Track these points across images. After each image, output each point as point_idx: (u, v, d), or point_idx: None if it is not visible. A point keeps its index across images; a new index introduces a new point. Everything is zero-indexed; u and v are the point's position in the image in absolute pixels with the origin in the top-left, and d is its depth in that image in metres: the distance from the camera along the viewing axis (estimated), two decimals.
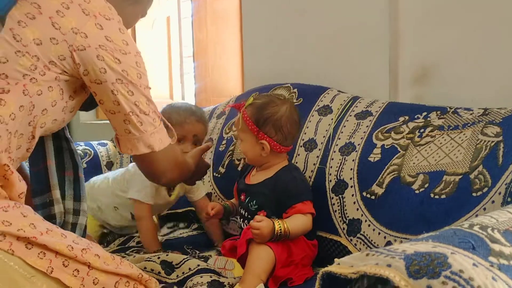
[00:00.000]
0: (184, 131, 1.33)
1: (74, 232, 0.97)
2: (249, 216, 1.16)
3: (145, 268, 1.08)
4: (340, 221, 1.21)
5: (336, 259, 0.57)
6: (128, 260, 1.11)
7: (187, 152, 1.22)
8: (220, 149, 1.57)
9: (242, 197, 1.20)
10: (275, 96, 1.24)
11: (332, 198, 1.24)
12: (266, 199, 1.14)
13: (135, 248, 1.36)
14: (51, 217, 0.96)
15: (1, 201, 0.75)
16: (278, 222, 1.06)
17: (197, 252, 1.33)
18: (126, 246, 1.42)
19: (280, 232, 1.05)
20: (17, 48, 0.77)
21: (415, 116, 1.20)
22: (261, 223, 1.04)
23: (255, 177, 1.20)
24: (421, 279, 0.47)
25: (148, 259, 1.11)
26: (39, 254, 0.72)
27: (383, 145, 1.19)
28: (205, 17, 2.15)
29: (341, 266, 0.55)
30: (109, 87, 0.84)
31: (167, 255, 1.14)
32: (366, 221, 1.14)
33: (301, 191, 1.14)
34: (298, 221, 1.10)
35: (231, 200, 1.30)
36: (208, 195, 1.54)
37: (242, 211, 1.20)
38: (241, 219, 1.20)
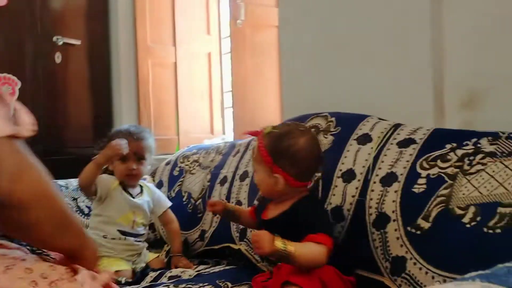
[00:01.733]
0: None
1: None
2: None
3: None
4: (383, 259, 1.10)
5: None
6: None
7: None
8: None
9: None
10: (296, 125, 1.16)
11: (373, 233, 1.13)
12: (283, 235, 1.04)
13: (165, 285, 1.30)
14: None
15: None
16: (281, 240, 0.96)
17: (229, 284, 1.26)
18: (157, 282, 1.36)
19: (282, 249, 0.94)
20: None
21: (464, 143, 1.09)
22: (260, 231, 0.97)
23: (272, 212, 1.12)
24: None
25: None
26: None
27: (429, 174, 1.09)
28: (243, 51, 2.15)
29: None
30: None
31: None
32: (411, 258, 1.03)
33: (315, 223, 1.04)
34: (307, 247, 0.98)
35: (242, 208, 1.27)
36: (244, 231, 1.48)
37: None
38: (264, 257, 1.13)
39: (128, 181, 1.58)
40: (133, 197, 1.59)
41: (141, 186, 1.65)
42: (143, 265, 1.56)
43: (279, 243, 0.94)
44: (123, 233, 1.55)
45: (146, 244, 1.64)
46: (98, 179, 1.53)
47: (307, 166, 1.08)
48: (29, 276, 0.62)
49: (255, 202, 1.47)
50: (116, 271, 1.47)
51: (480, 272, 0.50)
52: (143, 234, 1.61)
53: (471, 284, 0.45)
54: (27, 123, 0.63)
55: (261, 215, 1.15)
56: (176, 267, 1.53)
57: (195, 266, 1.53)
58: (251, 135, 1.15)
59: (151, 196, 1.66)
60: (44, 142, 2.56)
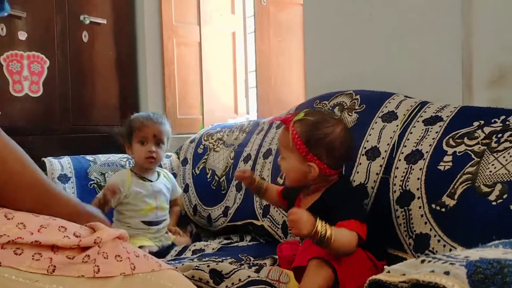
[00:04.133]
0: (144, 132, 1.57)
1: None
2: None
3: (193, 277, 1.04)
4: (406, 236, 1.10)
5: (386, 267, 0.49)
6: (176, 267, 1.08)
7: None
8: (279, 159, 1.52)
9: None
10: (329, 113, 1.13)
11: (397, 210, 1.13)
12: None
13: (190, 258, 1.33)
14: None
15: None
16: (323, 223, 0.93)
17: (252, 258, 1.27)
18: (181, 256, 1.39)
19: (322, 233, 0.91)
20: None
21: (492, 120, 1.07)
22: (299, 210, 0.93)
23: (304, 203, 1.11)
24: None
25: (196, 267, 1.07)
26: (33, 256, 0.60)
27: (455, 152, 1.07)
28: (268, 30, 2.13)
29: (391, 274, 0.47)
30: None
31: (217, 263, 1.09)
32: (435, 236, 1.03)
33: (346, 209, 1.00)
34: (341, 233, 0.95)
35: (270, 184, 1.26)
36: (267, 207, 1.49)
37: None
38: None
39: (147, 164, 1.59)
40: (152, 182, 1.62)
41: (158, 173, 1.67)
42: (169, 242, 1.59)
43: (320, 227, 0.91)
44: (148, 223, 1.57)
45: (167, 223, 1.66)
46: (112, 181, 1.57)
47: (342, 155, 1.06)
48: (63, 233, 0.64)
49: (279, 181, 1.47)
50: (141, 246, 1.51)
51: (503, 240, 0.49)
52: (165, 219, 1.62)
53: (492, 250, 0.44)
54: None
55: (294, 203, 1.14)
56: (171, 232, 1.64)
57: (220, 240, 1.56)
58: (280, 121, 1.10)
59: (169, 181, 1.69)
60: (72, 120, 2.61)
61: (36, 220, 0.65)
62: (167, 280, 0.71)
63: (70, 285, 0.61)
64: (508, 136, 1.00)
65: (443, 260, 0.43)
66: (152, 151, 1.57)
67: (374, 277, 0.48)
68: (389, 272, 0.47)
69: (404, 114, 1.26)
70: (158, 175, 1.66)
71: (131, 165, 1.83)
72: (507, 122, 1.04)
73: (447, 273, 0.41)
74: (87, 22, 2.58)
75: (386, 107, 1.32)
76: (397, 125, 1.24)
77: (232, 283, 1.02)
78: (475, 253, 0.44)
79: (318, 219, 0.93)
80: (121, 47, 2.77)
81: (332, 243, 0.92)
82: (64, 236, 0.63)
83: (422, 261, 0.46)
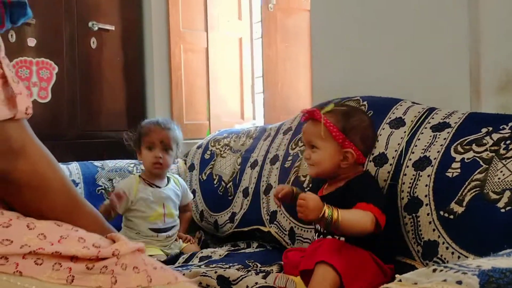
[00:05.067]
0: (151, 138, 1.58)
1: None
2: (324, 231, 1.10)
3: (200, 283, 1.04)
4: (414, 243, 1.09)
5: (397, 275, 0.49)
6: (184, 273, 1.08)
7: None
8: (286, 165, 1.52)
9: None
10: (353, 105, 1.20)
11: (405, 217, 1.13)
12: (339, 207, 1.05)
13: (197, 265, 1.33)
14: None
15: (0, 217, 0.63)
16: (330, 207, 0.97)
17: (258, 265, 1.27)
18: (189, 263, 1.39)
19: (329, 218, 0.95)
20: None
21: (501, 127, 1.07)
22: (308, 196, 0.97)
23: (327, 189, 1.14)
24: None
25: (204, 273, 1.08)
26: (53, 266, 0.61)
27: (463, 158, 1.07)
28: (275, 35, 2.14)
29: (402, 283, 0.47)
30: None
31: (224, 270, 1.09)
32: (443, 243, 1.02)
33: (367, 195, 1.04)
34: (352, 213, 0.99)
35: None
36: (274, 213, 1.49)
37: (316, 225, 1.14)
38: (316, 234, 1.14)
39: (155, 170, 1.60)
40: (160, 188, 1.62)
41: (168, 178, 1.67)
42: (177, 251, 1.59)
43: (328, 212, 0.96)
44: (156, 230, 1.57)
45: (177, 230, 1.66)
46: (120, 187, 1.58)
47: (372, 142, 1.13)
48: (83, 244, 0.64)
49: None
50: (150, 255, 1.52)
51: None
52: (174, 226, 1.63)
53: (505, 259, 0.44)
54: (25, 107, 0.63)
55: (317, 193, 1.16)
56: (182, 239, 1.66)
57: (227, 248, 1.56)
58: (308, 114, 1.13)
59: (179, 186, 1.69)
60: (80, 126, 2.63)
61: (58, 230, 0.66)
62: None
63: None
64: None
65: (455, 269, 0.43)
66: (159, 156, 1.57)
67: (385, 285, 0.48)
68: (400, 280, 0.47)
69: (412, 121, 1.26)
70: (168, 180, 1.67)
71: (139, 171, 1.84)
72: None
73: (459, 282, 0.41)
74: (96, 28, 2.60)
75: (393, 113, 1.32)
76: (405, 132, 1.24)
77: None
78: (487, 262, 0.44)
79: (325, 204, 0.97)
80: (129, 53, 2.78)
81: (341, 225, 0.96)
82: (84, 247, 0.64)
83: (434, 270, 0.46)
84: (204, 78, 2.75)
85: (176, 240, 1.64)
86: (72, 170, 1.78)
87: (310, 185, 1.37)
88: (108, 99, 2.75)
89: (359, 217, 0.99)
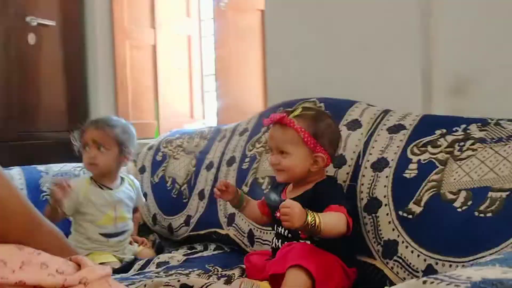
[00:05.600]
0: (84, 138, 1.54)
1: None
2: (289, 235, 1.10)
3: None
4: (374, 243, 1.12)
5: (386, 287, 0.49)
6: (145, 285, 1.05)
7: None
8: (243, 167, 1.51)
9: (278, 214, 1.12)
10: (319, 108, 1.21)
11: (365, 217, 1.15)
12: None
13: (155, 272, 1.29)
14: None
15: None
16: (311, 212, 0.97)
17: (219, 269, 1.26)
18: (145, 270, 1.35)
19: (312, 224, 0.95)
20: None
21: (453, 129, 1.11)
22: (292, 203, 0.96)
23: (293, 192, 1.13)
24: None
25: (167, 284, 1.04)
26: None
27: (420, 160, 1.11)
28: (227, 35, 2.12)
29: None
30: None
31: (187, 277, 1.07)
32: (403, 242, 1.06)
33: (337, 196, 1.08)
34: (330, 217, 0.99)
35: (250, 198, 1.26)
36: (232, 216, 1.48)
37: (279, 229, 1.13)
38: (277, 238, 1.13)
39: (90, 170, 1.55)
40: (112, 190, 1.55)
41: (122, 179, 1.61)
42: (132, 256, 1.54)
43: (310, 218, 0.95)
44: (107, 235, 1.51)
45: (130, 235, 1.61)
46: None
47: (337, 145, 1.15)
48: (46, 271, 0.60)
49: (243, 188, 1.46)
50: (102, 263, 1.45)
51: (494, 257, 0.51)
52: (127, 230, 1.57)
53: (491, 269, 0.46)
54: None
55: (281, 196, 1.16)
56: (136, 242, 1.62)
57: (184, 251, 1.52)
58: (277, 119, 1.10)
59: (134, 188, 1.63)
60: (18, 126, 2.47)
61: (19, 254, 0.60)
62: None
63: None
64: (470, 145, 1.05)
65: (447, 282, 0.44)
66: (91, 156, 1.51)
67: None
68: None
69: (368, 123, 1.28)
70: (122, 182, 1.60)
71: (85, 174, 1.76)
72: (468, 131, 1.09)
73: None
74: (34, 23, 2.45)
75: (350, 115, 1.34)
76: (362, 133, 1.27)
77: None
78: (475, 273, 0.45)
79: (307, 210, 0.96)
80: (70, 50, 2.65)
81: (323, 230, 0.96)
82: (49, 274, 0.59)
83: (424, 282, 0.46)
84: (150, 76, 2.68)
85: (130, 243, 1.59)
86: (14, 175, 1.67)
87: (269, 186, 1.36)
88: (48, 98, 2.61)
89: (336, 220, 1.00)
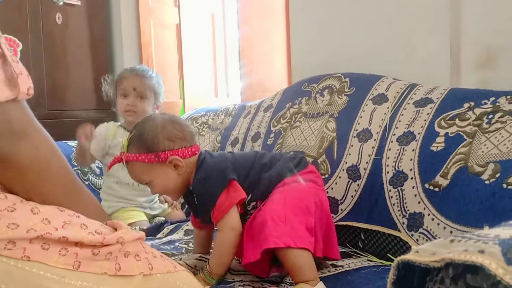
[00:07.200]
0: (124, 85, 1.56)
1: None
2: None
3: (195, 267, 1.05)
4: (400, 215, 1.13)
5: (414, 247, 0.50)
6: (180, 258, 1.09)
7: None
8: (268, 142, 1.52)
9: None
10: (141, 121, 1.09)
11: (390, 190, 1.16)
12: (200, 204, 1.04)
13: (185, 242, 1.33)
14: None
15: (4, 201, 0.61)
16: (203, 276, 0.98)
17: None
18: (174, 238, 1.38)
19: (212, 280, 0.97)
20: None
21: (482, 102, 1.10)
22: None
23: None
24: None
25: (201, 257, 1.08)
26: (60, 251, 0.60)
27: (447, 133, 1.10)
28: (250, 13, 2.11)
29: (420, 254, 0.48)
30: None
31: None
32: (429, 214, 1.06)
33: (212, 190, 1.00)
34: (214, 253, 1.00)
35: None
36: None
37: None
38: None
39: (128, 117, 1.59)
40: None
41: None
42: (162, 218, 1.58)
43: (209, 279, 0.97)
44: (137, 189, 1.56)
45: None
46: (95, 134, 1.52)
47: (181, 130, 1.03)
48: (86, 230, 0.64)
49: None
50: (132, 223, 1.50)
51: None
52: None
53: None
54: (26, 87, 0.61)
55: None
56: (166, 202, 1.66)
57: None
58: (115, 162, 1.05)
59: None
60: (47, 105, 2.54)
61: (61, 215, 0.64)
62: (181, 281, 0.74)
63: (95, 281, 0.61)
64: (498, 117, 1.04)
65: (475, 239, 0.45)
66: (132, 104, 1.56)
67: (402, 257, 0.49)
68: (417, 252, 0.49)
69: (394, 97, 1.28)
70: None
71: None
72: (497, 104, 1.07)
73: (481, 251, 0.43)
74: (61, 3, 2.49)
75: (376, 89, 1.34)
76: (388, 107, 1.27)
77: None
78: (504, 232, 0.45)
79: (199, 276, 0.98)
80: (96, 29, 2.68)
81: (217, 268, 0.98)
82: (89, 233, 0.63)
83: (452, 241, 0.47)
84: (175, 55, 2.69)
85: (154, 201, 1.64)
86: None
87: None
88: (76, 76, 2.66)
89: (216, 253, 0.99)
